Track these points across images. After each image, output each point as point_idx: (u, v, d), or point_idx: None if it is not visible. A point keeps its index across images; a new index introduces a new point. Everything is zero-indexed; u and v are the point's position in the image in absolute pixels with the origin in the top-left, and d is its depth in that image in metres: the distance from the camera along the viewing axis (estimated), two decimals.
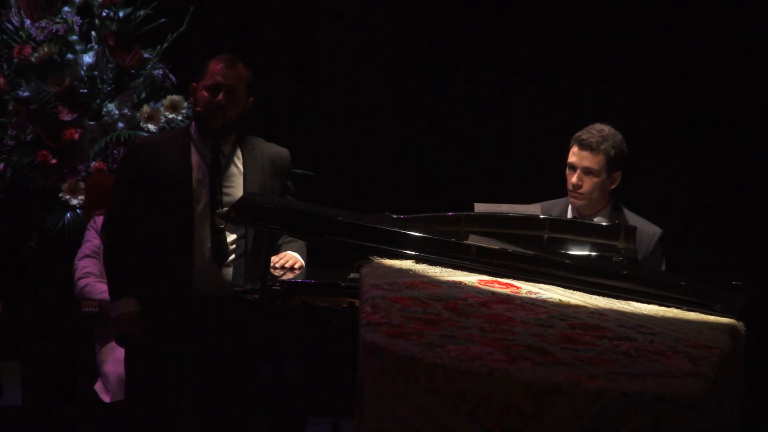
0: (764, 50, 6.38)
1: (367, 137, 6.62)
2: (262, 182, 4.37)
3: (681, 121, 6.44)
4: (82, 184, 5.85)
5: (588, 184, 4.63)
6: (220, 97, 4.30)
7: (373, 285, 3.40)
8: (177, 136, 4.44)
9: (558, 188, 4.77)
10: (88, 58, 6.02)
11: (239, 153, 4.39)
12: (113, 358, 5.15)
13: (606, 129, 4.66)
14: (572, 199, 4.68)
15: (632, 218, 4.66)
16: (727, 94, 6.37)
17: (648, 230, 4.59)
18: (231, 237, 4.31)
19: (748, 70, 6.38)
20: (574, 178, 4.64)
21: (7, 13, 6.05)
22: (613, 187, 4.68)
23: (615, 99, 6.40)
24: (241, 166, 4.37)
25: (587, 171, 4.62)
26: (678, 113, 6.44)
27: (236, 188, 4.33)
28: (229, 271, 4.30)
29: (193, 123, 4.41)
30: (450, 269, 3.74)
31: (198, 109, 4.35)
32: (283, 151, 4.50)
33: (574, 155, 4.64)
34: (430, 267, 3.73)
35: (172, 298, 4.26)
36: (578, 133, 4.67)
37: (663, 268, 4.65)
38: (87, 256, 5.46)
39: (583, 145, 4.62)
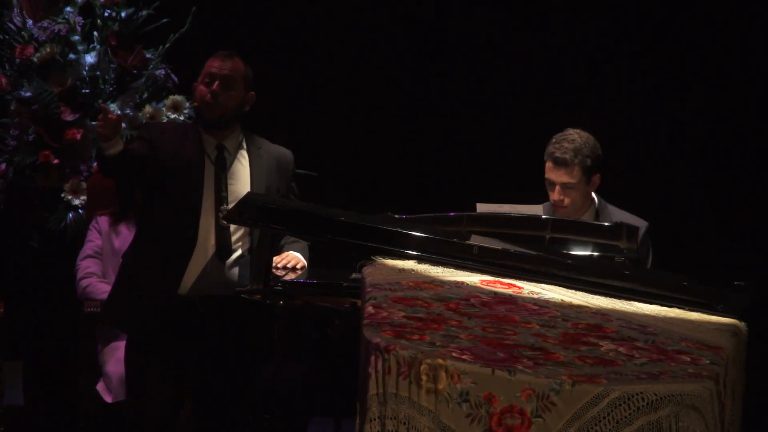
0: (764, 48, 6.38)
1: (369, 137, 6.62)
2: (267, 182, 4.37)
3: (682, 121, 6.44)
4: (84, 185, 5.85)
5: (570, 197, 4.55)
6: (215, 86, 4.31)
7: (375, 285, 3.40)
8: (187, 128, 4.45)
9: None
10: (90, 59, 6.02)
11: (244, 152, 4.39)
12: (115, 359, 5.16)
13: (576, 138, 4.53)
14: (557, 214, 4.61)
15: (617, 213, 4.60)
16: (730, 93, 6.36)
17: (634, 224, 4.51)
18: (235, 235, 4.32)
19: (748, 66, 6.38)
20: (555, 195, 4.55)
21: (9, 13, 6.05)
22: (593, 189, 4.62)
23: (616, 98, 6.40)
24: (246, 165, 4.37)
25: (566, 186, 4.54)
26: (680, 113, 6.44)
27: (240, 186, 4.33)
28: (232, 271, 4.30)
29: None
30: (452, 269, 3.73)
31: (195, 104, 4.37)
32: (288, 153, 4.51)
33: (551, 172, 4.55)
34: (432, 267, 3.72)
35: (176, 295, 4.26)
36: (550, 148, 4.55)
37: (650, 260, 4.61)
38: (89, 256, 5.46)
39: (558, 163, 4.52)
